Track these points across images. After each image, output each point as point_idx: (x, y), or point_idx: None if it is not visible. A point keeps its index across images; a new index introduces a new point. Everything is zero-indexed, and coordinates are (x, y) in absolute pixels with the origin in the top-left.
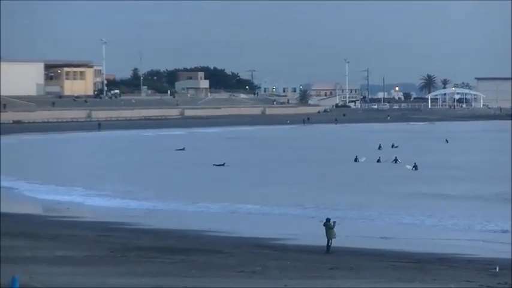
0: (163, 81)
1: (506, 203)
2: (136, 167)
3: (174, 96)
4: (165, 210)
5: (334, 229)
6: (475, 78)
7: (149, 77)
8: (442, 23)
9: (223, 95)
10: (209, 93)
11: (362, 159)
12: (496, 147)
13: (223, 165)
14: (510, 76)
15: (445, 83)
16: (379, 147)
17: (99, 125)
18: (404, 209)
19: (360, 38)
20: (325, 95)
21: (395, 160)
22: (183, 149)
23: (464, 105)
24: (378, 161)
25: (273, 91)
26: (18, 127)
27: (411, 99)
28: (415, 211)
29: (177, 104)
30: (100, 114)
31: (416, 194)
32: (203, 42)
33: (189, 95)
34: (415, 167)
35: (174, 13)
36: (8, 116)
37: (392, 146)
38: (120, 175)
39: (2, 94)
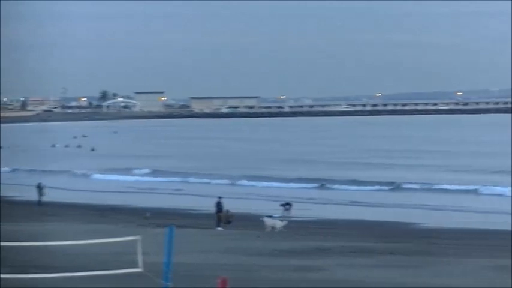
0: None
1: None
2: None
3: None
4: None
5: (44, 190)
6: (135, 92)
7: None
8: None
9: None
10: None
11: (57, 145)
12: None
13: None
14: (160, 90)
15: (115, 95)
16: (75, 137)
17: None
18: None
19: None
20: None
21: (79, 146)
22: None
23: (127, 110)
24: (66, 146)
25: None
26: None
27: (93, 106)
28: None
29: None
30: None
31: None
32: None
33: None
34: (93, 149)
35: None
36: None
37: (84, 136)
38: None
39: None
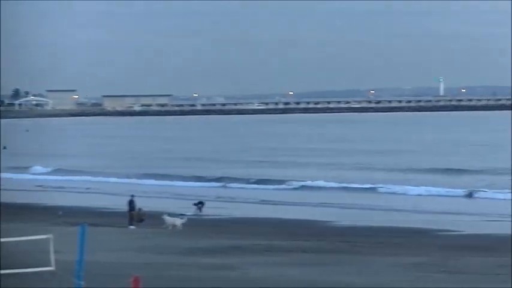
0: None
1: None
2: None
3: None
4: None
5: None
6: (46, 90)
7: None
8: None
9: None
10: None
11: None
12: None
13: None
14: (72, 89)
15: (27, 93)
16: None
17: None
18: None
19: None
20: None
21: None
22: None
23: (39, 108)
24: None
25: None
26: None
27: (5, 104)
28: None
29: None
30: None
31: None
32: None
33: None
34: (5, 147)
35: None
36: None
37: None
38: None
39: None
